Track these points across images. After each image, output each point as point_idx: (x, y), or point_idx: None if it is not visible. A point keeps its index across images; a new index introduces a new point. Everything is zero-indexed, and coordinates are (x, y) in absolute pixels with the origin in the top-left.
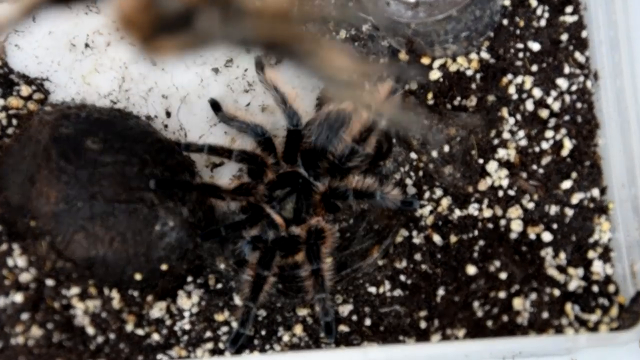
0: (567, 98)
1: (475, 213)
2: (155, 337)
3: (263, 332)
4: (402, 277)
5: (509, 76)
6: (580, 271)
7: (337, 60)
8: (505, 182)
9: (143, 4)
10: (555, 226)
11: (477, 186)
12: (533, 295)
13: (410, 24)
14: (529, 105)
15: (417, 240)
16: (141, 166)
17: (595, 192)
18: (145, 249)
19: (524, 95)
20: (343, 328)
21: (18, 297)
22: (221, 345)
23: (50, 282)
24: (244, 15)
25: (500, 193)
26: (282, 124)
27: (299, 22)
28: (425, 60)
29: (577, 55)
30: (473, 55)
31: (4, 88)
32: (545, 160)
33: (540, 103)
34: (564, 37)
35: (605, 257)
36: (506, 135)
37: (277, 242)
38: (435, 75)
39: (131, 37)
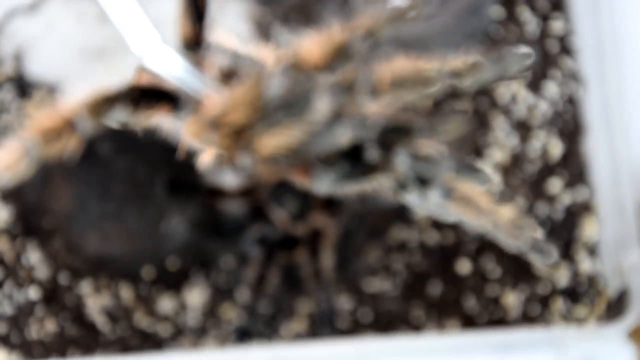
0: (557, 103)
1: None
2: (163, 330)
3: (266, 326)
4: (398, 273)
5: (502, 82)
6: (569, 268)
7: None
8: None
9: None
10: (545, 224)
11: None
12: (524, 291)
13: (405, 32)
14: (521, 110)
15: (413, 238)
16: (149, 168)
17: (583, 192)
18: (153, 247)
19: (516, 100)
20: (342, 321)
21: (32, 293)
22: (226, 339)
23: (63, 278)
24: None
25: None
26: None
27: None
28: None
29: (567, 62)
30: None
31: (18, 94)
32: (536, 161)
33: (531, 107)
34: (554, 44)
35: (592, 254)
36: (498, 137)
37: (280, 241)
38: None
39: None
